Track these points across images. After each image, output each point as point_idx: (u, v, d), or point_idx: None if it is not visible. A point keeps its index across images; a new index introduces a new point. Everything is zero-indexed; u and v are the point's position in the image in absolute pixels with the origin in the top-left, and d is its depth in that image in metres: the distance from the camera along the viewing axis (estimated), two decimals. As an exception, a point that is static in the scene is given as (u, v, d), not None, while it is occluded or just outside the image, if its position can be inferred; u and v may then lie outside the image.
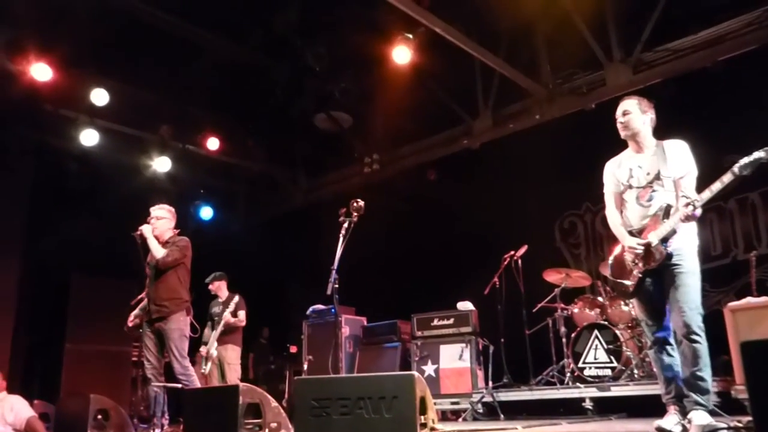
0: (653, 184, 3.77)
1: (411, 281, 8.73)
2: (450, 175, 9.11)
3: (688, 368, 3.56)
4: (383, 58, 7.44)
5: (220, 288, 7.34)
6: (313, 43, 7.80)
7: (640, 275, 3.73)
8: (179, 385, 5.21)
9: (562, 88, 7.88)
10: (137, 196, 8.47)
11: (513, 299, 6.75)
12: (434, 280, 8.43)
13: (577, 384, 6.10)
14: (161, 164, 9.28)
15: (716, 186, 3.48)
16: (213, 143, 9.52)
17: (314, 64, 7.87)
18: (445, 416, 6.76)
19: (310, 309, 8.16)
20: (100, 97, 8.08)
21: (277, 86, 8.59)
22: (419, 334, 7.27)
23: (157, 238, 5.50)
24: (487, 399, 6.38)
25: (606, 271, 4.34)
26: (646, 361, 5.90)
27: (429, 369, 7.03)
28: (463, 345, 6.93)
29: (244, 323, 7.12)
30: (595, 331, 6.30)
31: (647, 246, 3.67)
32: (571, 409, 6.08)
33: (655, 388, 4.21)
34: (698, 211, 3.52)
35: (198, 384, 5.52)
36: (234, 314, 6.90)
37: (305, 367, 7.75)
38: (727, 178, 3.46)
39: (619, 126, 3.90)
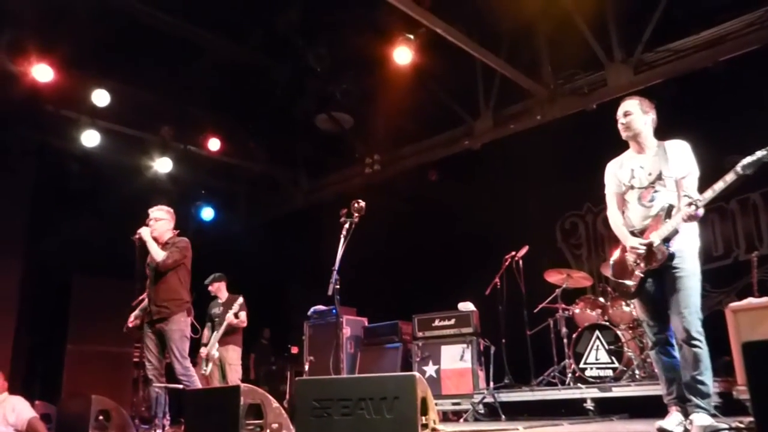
0: (655, 184, 3.77)
1: (412, 282, 8.73)
2: (451, 175, 9.10)
3: (688, 372, 3.56)
4: (384, 59, 7.44)
5: (219, 289, 7.34)
6: (314, 44, 7.80)
7: (642, 275, 3.73)
8: (180, 386, 5.21)
9: (563, 88, 7.87)
10: (138, 196, 8.47)
11: (514, 300, 6.74)
12: (435, 281, 8.43)
13: (579, 385, 6.09)
14: (162, 165, 9.29)
15: (719, 185, 3.47)
16: (214, 144, 9.53)
17: (315, 64, 7.87)
18: (446, 417, 6.76)
19: (311, 310, 8.15)
20: (101, 97, 8.09)
21: (278, 87, 8.59)
22: (420, 334, 7.27)
23: (156, 239, 5.50)
24: (489, 400, 6.38)
25: (607, 272, 4.34)
26: (647, 362, 5.89)
27: (430, 369, 7.03)
28: (465, 346, 6.92)
29: (245, 324, 7.13)
30: (597, 332, 6.29)
31: (649, 246, 3.66)
32: (572, 409, 6.07)
33: (657, 389, 4.21)
34: (700, 211, 3.51)
35: (198, 384, 5.52)
36: (236, 315, 6.90)
37: (306, 367, 7.75)
38: (729, 177, 3.45)
39: (620, 127, 3.90)
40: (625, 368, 6.06)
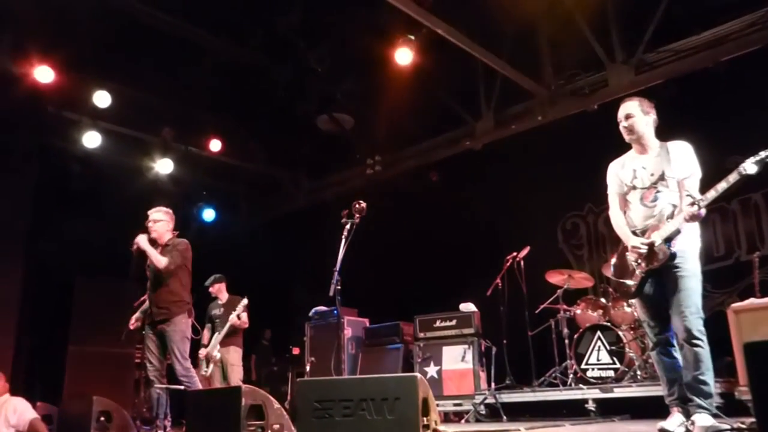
0: (657, 185, 3.77)
1: (413, 283, 8.72)
2: (452, 176, 9.10)
3: (690, 372, 3.55)
4: (385, 60, 7.44)
5: (220, 290, 7.33)
6: (315, 45, 7.81)
7: (643, 275, 3.73)
8: (182, 387, 5.21)
9: (565, 89, 7.87)
10: (139, 197, 8.46)
11: (515, 300, 6.74)
12: (436, 282, 8.42)
13: (580, 385, 6.09)
14: (163, 166, 9.30)
15: (722, 185, 3.47)
16: (215, 145, 9.54)
17: (316, 65, 7.88)
18: (447, 418, 6.76)
19: (313, 310, 8.15)
20: (102, 99, 8.11)
21: (279, 87, 8.59)
22: (422, 335, 7.27)
23: (156, 240, 5.51)
24: (490, 400, 6.38)
25: (608, 272, 4.34)
26: (648, 363, 5.88)
27: (431, 370, 7.03)
28: (466, 346, 6.92)
29: (246, 325, 7.12)
30: (598, 333, 6.29)
31: (651, 246, 3.66)
32: (573, 410, 6.06)
33: (658, 390, 4.20)
34: (703, 211, 3.51)
35: (199, 385, 5.53)
36: (238, 316, 6.90)
37: (308, 368, 7.75)
38: (733, 177, 3.44)
39: (622, 130, 3.89)
40: (626, 369, 6.05)
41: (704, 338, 3.54)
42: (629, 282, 3.80)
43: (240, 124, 9.73)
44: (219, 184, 11.03)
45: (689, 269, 3.63)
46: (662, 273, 3.68)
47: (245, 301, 6.90)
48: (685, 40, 7.03)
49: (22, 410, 6.03)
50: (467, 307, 7.17)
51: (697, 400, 3.51)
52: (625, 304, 6.30)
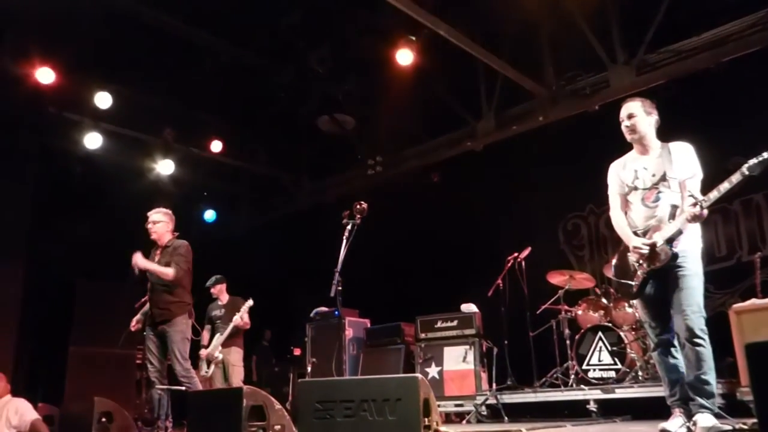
0: (659, 185, 3.76)
1: (414, 283, 8.72)
2: (453, 177, 9.10)
3: (692, 372, 3.54)
4: (386, 61, 7.45)
5: (221, 291, 7.34)
6: (316, 46, 7.81)
7: (645, 276, 3.73)
8: (183, 388, 5.22)
9: (566, 89, 7.87)
10: (141, 198, 8.47)
11: (517, 301, 6.74)
12: (438, 282, 8.42)
13: (581, 386, 6.08)
14: (165, 167, 9.31)
15: (724, 186, 3.46)
16: (216, 146, 9.55)
17: (317, 66, 7.88)
18: (449, 418, 6.75)
19: (314, 311, 8.14)
20: (103, 100, 8.12)
21: (281, 89, 8.60)
22: (423, 336, 7.26)
23: (156, 241, 5.50)
24: (491, 401, 6.37)
25: (609, 273, 4.33)
26: (650, 363, 5.87)
27: (433, 371, 7.02)
28: (467, 347, 6.92)
29: (248, 326, 7.13)
30: (599, 333, 6.28)
31: (652, 246, 3.66)
32: (575, 411, 6.06)
33: (660, 391, 4.20)
34: (705, 212, 3.51)
35: (199, 386, 5.53)
36: (241, 317, 6.90)
37: (309, 369, 7.74)
38: (735, 178, 3.44)
39: (624, 130, 3.89)
40: (627, 370, 6.05)
41: (706, 337, 3.53)
42: (630, 282, 3.80)
43: (241, 125, 9.74)
44: (220, 185, 11.04)
45: (691, 269, 3.63)
46: (664, 273, 3.67)
47: (250, 302, 6.90)
48: (686, 41, 7.03)
49: (24, 411, 6.04)
50: (468, 307, 7.17)
51: (700, 400, 3.50)
52: (626, 304, 6.30)
